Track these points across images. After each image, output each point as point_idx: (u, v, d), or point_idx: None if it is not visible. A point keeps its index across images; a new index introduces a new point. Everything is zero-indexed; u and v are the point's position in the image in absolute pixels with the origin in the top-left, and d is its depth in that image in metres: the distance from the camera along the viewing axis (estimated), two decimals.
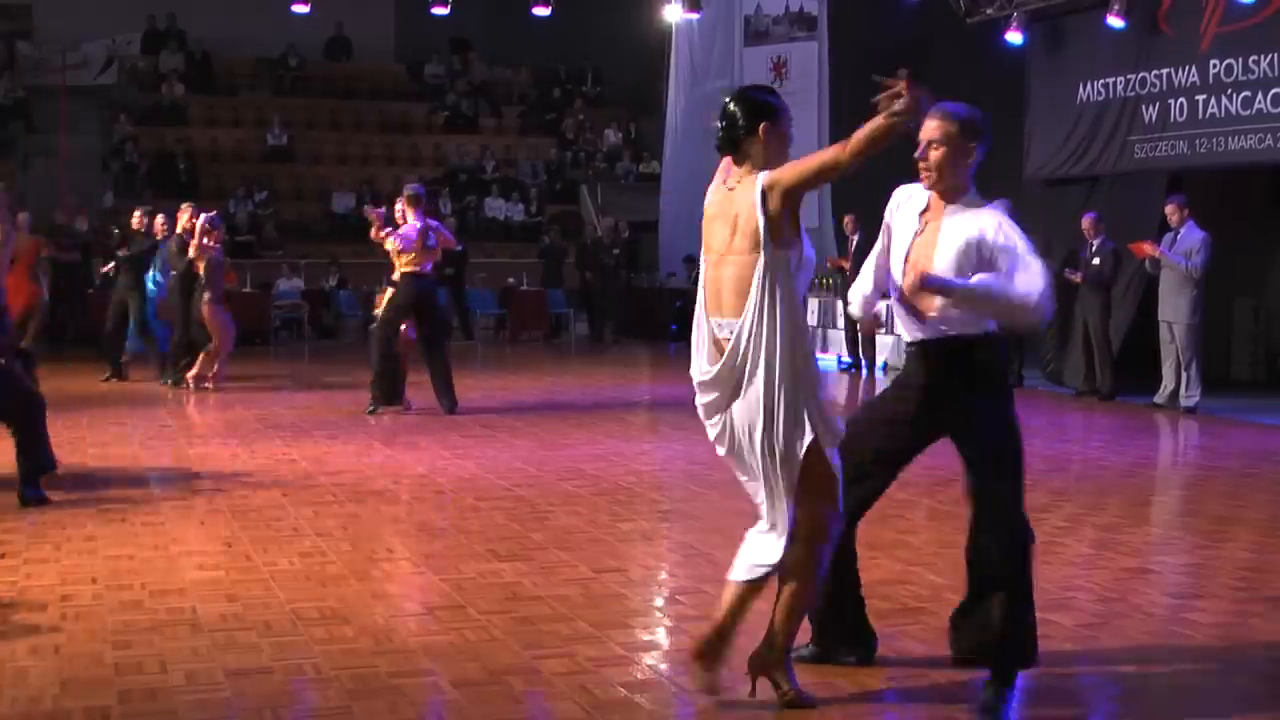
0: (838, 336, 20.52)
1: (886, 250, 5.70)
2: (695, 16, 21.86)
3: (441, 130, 31.23)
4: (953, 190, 5.45)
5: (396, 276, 13.78)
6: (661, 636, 6.33)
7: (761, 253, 5.04)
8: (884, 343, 19.90)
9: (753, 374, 5.06)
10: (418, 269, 13.64)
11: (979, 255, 5.31)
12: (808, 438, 5.09)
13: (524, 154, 31.30)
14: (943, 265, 5.31)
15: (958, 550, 8.05)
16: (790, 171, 5.07)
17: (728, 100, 5.28)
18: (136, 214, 17.37)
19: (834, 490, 5.23)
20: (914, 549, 8.11)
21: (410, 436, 12.51)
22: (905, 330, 5.63)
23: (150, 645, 5.98)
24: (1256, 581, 7.40)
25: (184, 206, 16.91)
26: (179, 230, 16.60)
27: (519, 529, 8.57)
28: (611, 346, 23.33)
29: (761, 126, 5.16)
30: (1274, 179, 16.53)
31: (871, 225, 19.00)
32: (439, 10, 21.07)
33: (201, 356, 16.07)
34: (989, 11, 18.82)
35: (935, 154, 5.45)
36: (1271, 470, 11.34)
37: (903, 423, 5.74)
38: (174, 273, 16.51)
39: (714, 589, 6.70)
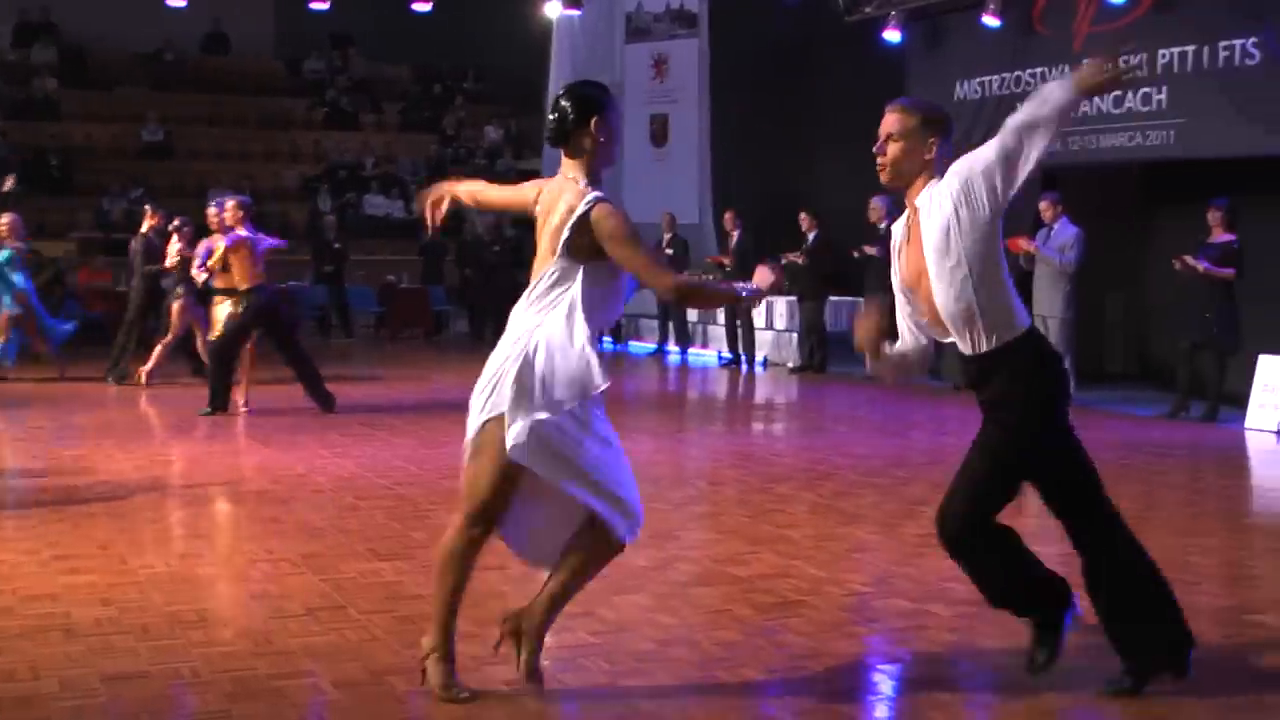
0: (718, 332, 20.62)
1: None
2: (576, 13, 21.85)
3: (321, 126, 30.98)
4: (919, 183, 5.40)
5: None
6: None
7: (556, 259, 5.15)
8: (763, 339, 20.05)
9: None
10: (261, 282, 13.54)
11: (968, 199, 5.27)
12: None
13: (404, 151, 31.12)
14: (933, 245, 5.31)
15: (838, 543, 8.15)
16: (621, 246, 5.06)
17: (559, 95, 5.30)
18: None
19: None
20: (794, 543, 8.16)
21: (289, 436, 12.41)
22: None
23: (22, 652, 5.88)
24: None
25: (148, 209, 17.28)
26: (143, 231, 16.83)
27: (400, 528, 8.53)
28: (492, 344, 23.16)
29: (592, 120, 5.17)
30: (1145, 176, 16.81)
31: (750, 222, 19.12)
32: (318, 5, 20.92)
33: (157, 349, 16.39)
34: (868, 10, 18.96)
35: (893, 148, 5.40)
36: (1145, 461, 11.53)
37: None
38: (145, 271, 16.66)
39: (594, 585, 6.69)
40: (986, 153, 5.25)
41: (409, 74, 33.28)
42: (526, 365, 5.10)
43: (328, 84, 31.84)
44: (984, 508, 5.37)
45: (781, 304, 20.29)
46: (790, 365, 19.55)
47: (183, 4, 22.26)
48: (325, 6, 20.98)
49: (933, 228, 5.27)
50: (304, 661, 5.77)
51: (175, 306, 16.13)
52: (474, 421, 5.24)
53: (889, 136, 5.39)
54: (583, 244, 5.06)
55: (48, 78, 29.17)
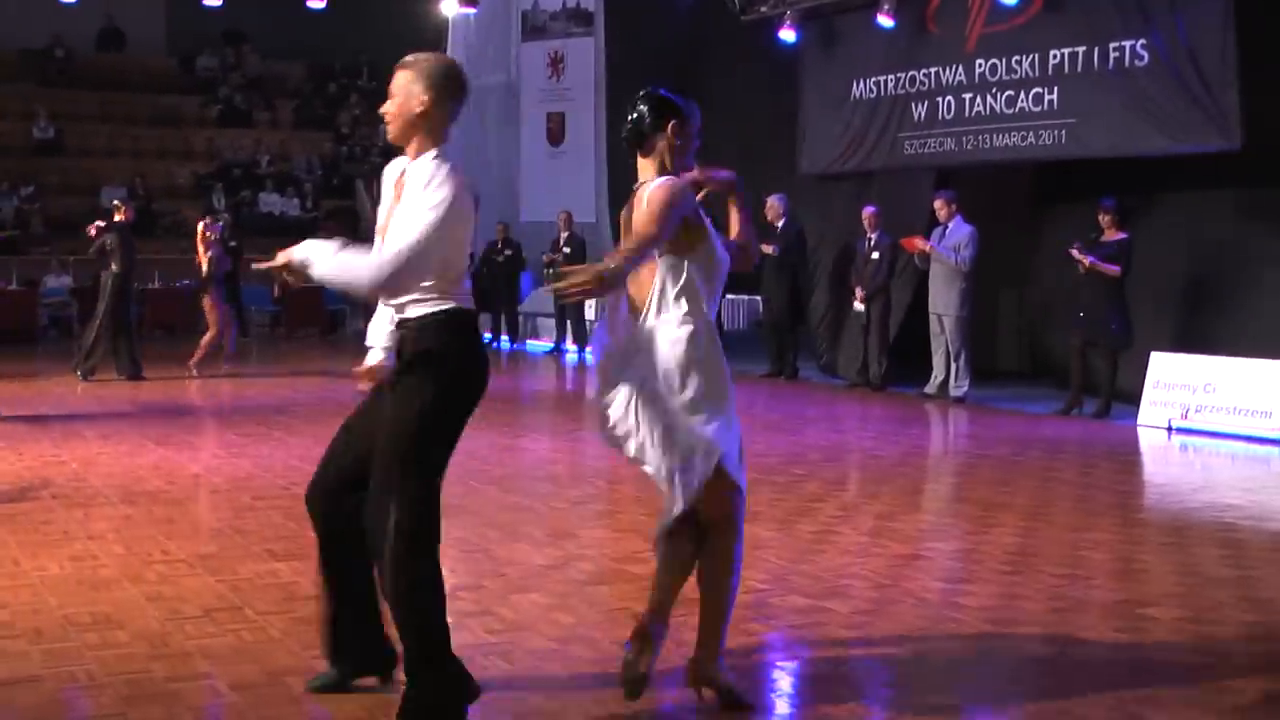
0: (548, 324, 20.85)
1: None
2: (471, 11, 21.75)
3: (214, 124, 30.70)
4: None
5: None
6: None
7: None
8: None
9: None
10: None
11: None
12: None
13: (299, 149, 30.91)
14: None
15: (760, 550, 8.18)
16: (643, 218, 5.02)
17: (638, 99, 5.28)
18: None
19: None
20: None
21: (184, 436, 12.29)
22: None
23: None
24: (1023, 565, 7.63)
25: (117, 202, 17.71)
26: (119, 221, 17.04)
27: (296, 528, 8.46)
28: None
29: (670, 124, 5.19)
30: (1036, 175, 17.02)
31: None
32: (211, 2, 20.72)
33: (202, 342, 17.50)
34: (763, 10, 19.03)
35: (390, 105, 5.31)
36: (1038, 457, 11.68)
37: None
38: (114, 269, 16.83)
39: (492, 584, 6.72)
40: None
41: (303, 71, 33.05)
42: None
43: (221, 81, 31.55)
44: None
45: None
46: None
47: (73, 0, 21.98)
48: (218, 3, 20.81)
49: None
50: (201, 663, 5.73)
51: (206, 303, 17.45)
52: None
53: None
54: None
55: None
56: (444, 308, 4.92)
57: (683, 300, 5.09)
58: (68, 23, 28.61)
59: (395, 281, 4.88)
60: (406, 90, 5.12)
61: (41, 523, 8.55)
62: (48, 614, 6.45)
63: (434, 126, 5.03)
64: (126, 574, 7.25)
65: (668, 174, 5.16)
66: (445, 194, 4.80)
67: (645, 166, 5.25)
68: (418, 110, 5.07)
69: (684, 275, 5.09)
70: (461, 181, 4.85)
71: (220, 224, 17.61)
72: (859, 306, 16.52)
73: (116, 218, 17.03)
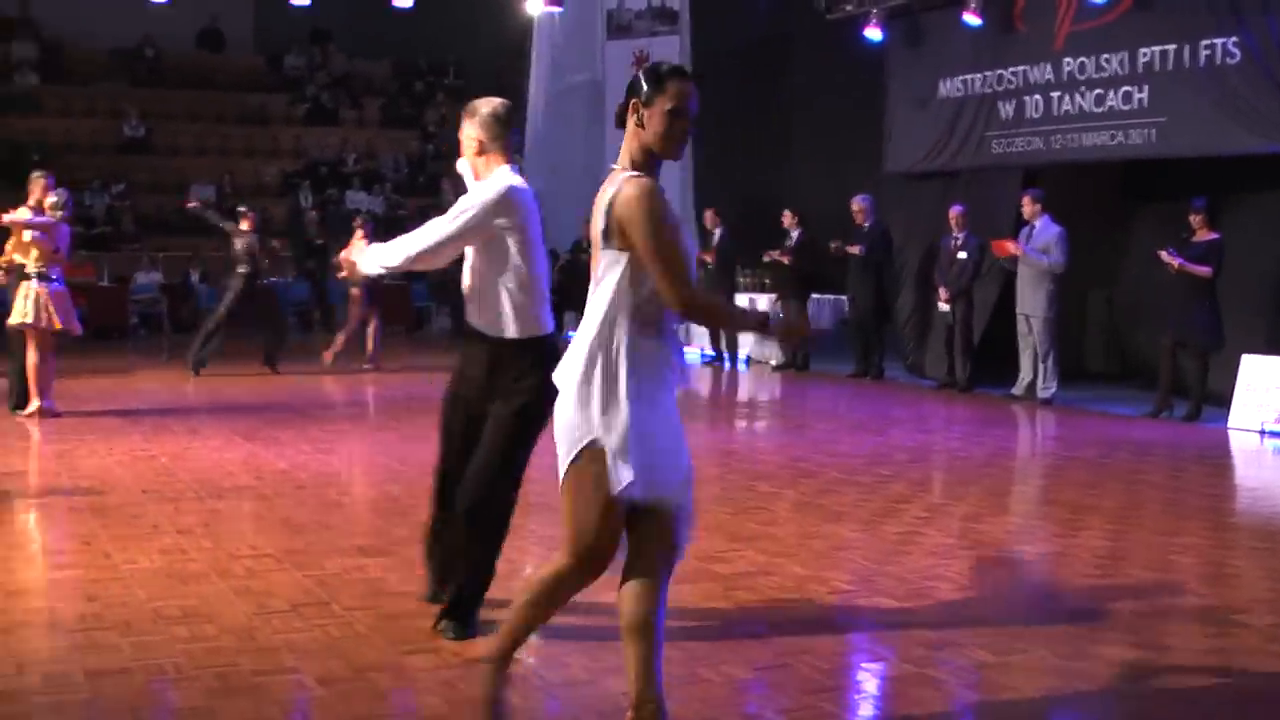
0: (701, 330, 20.63)
1: None
2: (557, 10, 21.80)
3: (301, 122, 30.93)
4: None
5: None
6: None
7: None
8: (746, 336, 20.04)
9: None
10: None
11: None
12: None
13: (385, 147, 31.10)
14: None
15: (821, 541, 8.17)
16: (645, 242, 4.48)
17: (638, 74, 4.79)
18: None
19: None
20: (777, 540, 8.17)
21: (271, 431, 12.39)
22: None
23: (5, 647, 5.86)
24: (1112, 569, 7.55)
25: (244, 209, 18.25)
26: (245, 229, 17.76)
27: (383, 524, 8.52)
28: None
29: (631, 100, 4.66)
30: (1125, 175, 16.85)
31: (731, 220, 19.14)
32: (299, 1, 20.86)
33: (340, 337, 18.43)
34: (849, 8, 18.97)
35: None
36: (1126, 459, 11.56)
37: None
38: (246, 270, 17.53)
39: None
40: None
41: (388, 70, 33.23)
42: None
43: (308, 80, 31.78)
44: None
45: (763, 301, 20.30)
46: (773, 363, 19.57)
47: (164, 0, 22.21)
48: (306, 2, 20.94)
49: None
50: (287, 657, 5.76)
51: (354, 293, 18.07)
52: None
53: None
54: (616, 229, 4.55)
55: (27, 73, 29.07)
56: None
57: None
58: (162, 23, 28.93)
59: None
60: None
61: (131, 517, 8.64)
62: (137, 607, 6.51)
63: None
64: (215, 568, 7.31)
65: (635, 161, 4.66)
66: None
67: (621, 150, 4.73)
68: None
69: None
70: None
71: (370, 224, 18.02)
72: (944, 307, 16.42)
73: (243, 225, 17.63)
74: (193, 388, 15.98)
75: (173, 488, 9.65)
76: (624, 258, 4.55)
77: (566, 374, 4.64)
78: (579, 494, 4.59)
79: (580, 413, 4.57)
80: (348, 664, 5.68)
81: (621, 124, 4.72)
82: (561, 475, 4.62)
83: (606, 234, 4.57)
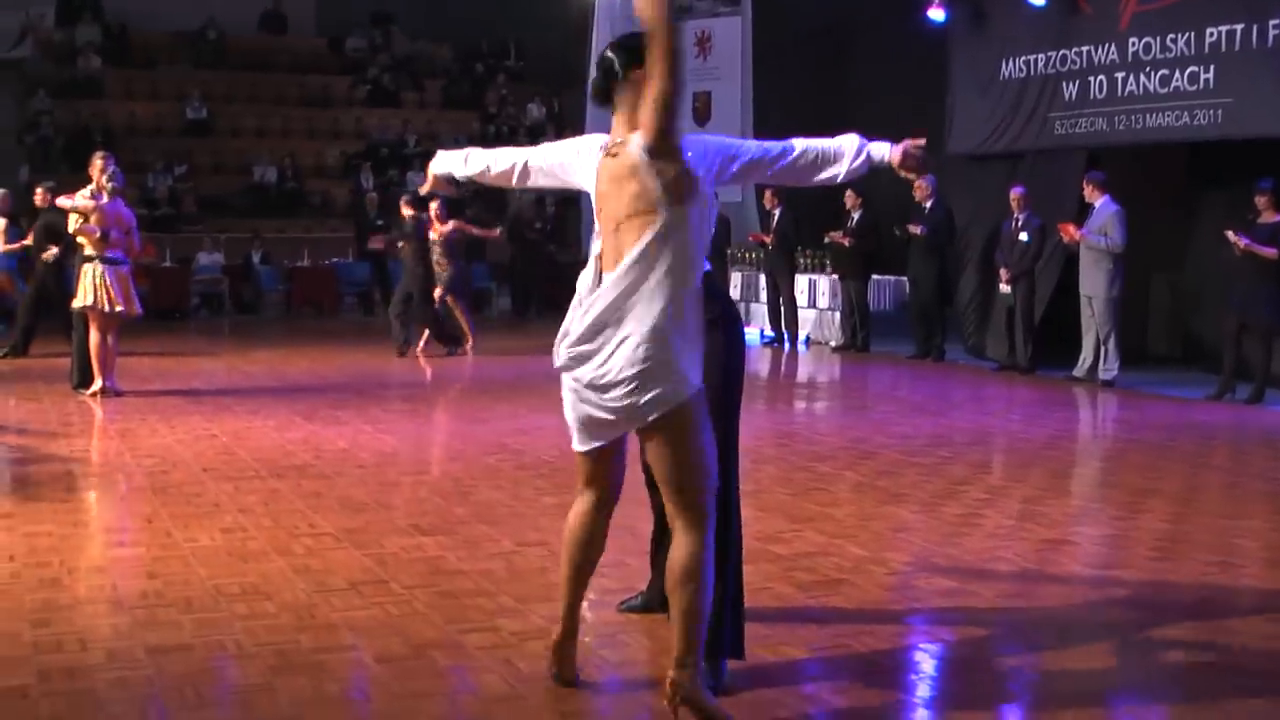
0: (761, 310, 20.60)
1: None
2: None
3: (363, 104, 31.02)
4: None
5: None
6: (584, 610, 6.32)
7: (661, 212, 4.70)
8: (806, 317, 20.00)
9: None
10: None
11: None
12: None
13: (446, 129, 31.13)
14: None
15: (880, 522, 8.15)
16: (648, 113, 4.62)
17: (606, 47, 4.94)
18: (39, 191, 17.00)
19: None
20: (836, 521, 8.15)
21: (331, 411, 12.45)
22: None
23: (69, 623, 5.93)
24: (1173, 553, 7.49)
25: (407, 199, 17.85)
26: (411, 215, 17.43)
27: (441, 503, 8.55)
28: (535, 321, 23.23)
29: (634, 70, 4.76)
30: (1191, 156, 16.68)
31: (791, 200, 19.07)
32: None
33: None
34: None
35: None
36: (1187, 443, 11.46)
37: None
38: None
39: (636, 561, 6.73)
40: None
41: (450, 52, 33.27)
42: None
43: (369, 62, 31.87)
44: None
45: (824, 282, 20.25)
46: (833, 344, 19.51)
47: None
48: None
49: None
50: (346, 635, 5.79)
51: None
52: None
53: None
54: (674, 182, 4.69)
55: (91, 56, 29.28)
56: None
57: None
58: (225, 6, 29.14)
59: None
60: None
61: (192, 495, 8.70)
62: (198, 584, 6.56)
63: None
64: (274, 546, 7.35)
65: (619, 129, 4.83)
66: None
67: (619, 121, 4.87)
68: None
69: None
70: None
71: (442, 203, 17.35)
72: (1005, 288, 16.33)
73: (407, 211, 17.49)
74: (255, 368, 16.07)
75: (233, 467, 9.71)
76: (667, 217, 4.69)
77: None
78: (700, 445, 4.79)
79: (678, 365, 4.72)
80: (406, 642, 5.70)
81: (606, 93, 4.89)
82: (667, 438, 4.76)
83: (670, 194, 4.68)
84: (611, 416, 4.81)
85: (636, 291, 4.69)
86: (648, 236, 4.69)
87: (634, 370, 4.68)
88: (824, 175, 5.20)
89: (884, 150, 5.18)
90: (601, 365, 4.75)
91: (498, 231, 18.38)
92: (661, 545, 5.52)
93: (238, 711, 4.99)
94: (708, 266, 5.04)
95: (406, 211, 17.28)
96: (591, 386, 4.79)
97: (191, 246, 25.09)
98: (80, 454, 10.33)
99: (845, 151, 5.16)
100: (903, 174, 5.22)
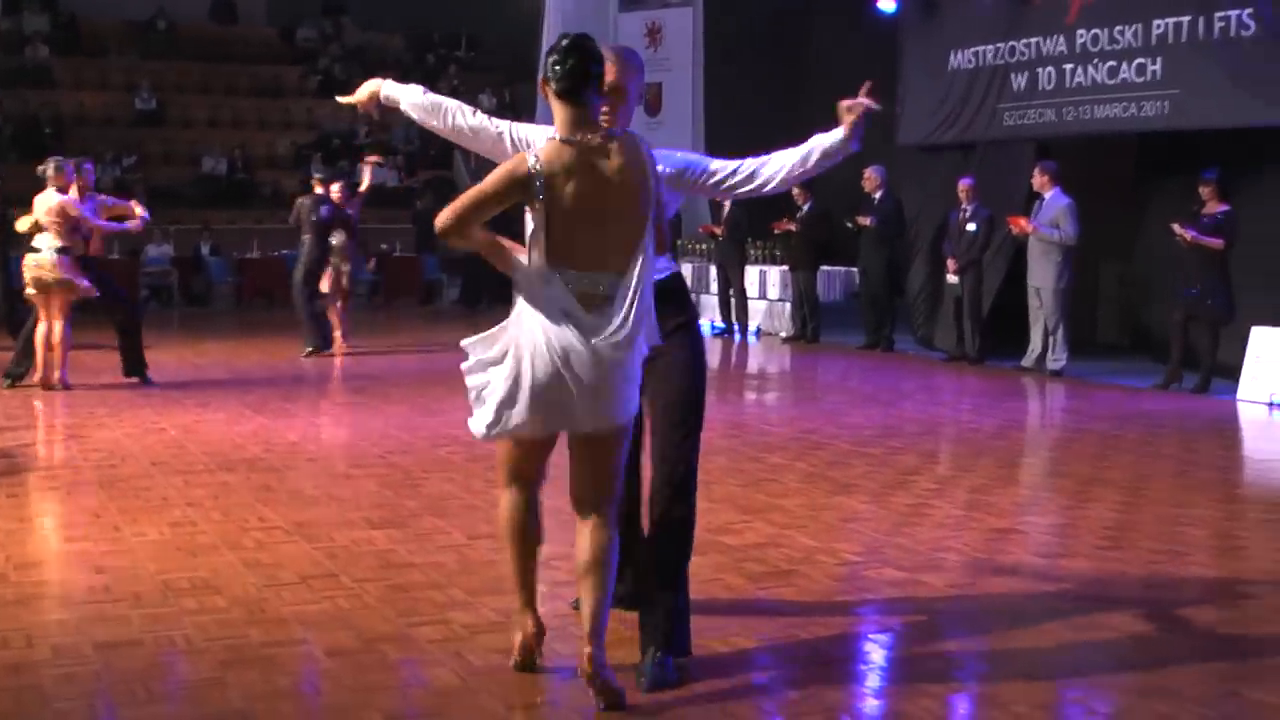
0: (711, 301, 20.62)
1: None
2: None
3: (314, 95, 30.91)
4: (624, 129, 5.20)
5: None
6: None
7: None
8: (756, 308, 20.04)
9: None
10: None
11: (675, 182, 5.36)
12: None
13: (397, 119, 31.01)
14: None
15: (830, 513, 8.17)
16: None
17: (565, 47, 4.86)
18: None
19: None
20: (786, 512, 8.17)
21: (281, 404, 12.41)
22: None
23: (15, 619, 5.89)
24: (1121, 540, 7.55)
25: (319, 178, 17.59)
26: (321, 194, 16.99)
27: (392, 496, 8.54)
28: (485, 312, 23.18)
29: (600, 77, 4.89)
30: (1139, 147, 16.79)
31: None
32: None
33: None
34: None
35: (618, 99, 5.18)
36: (1136, 432, 11.54)
37: None
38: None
39: None
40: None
41: (402, 42, 33.21)
42: None
43: (320, 52, 31.75)
44: None
45: (774, 273, 20.29)
46: (783, 335, 19.56)
47: None
48: None
49: None
50: (297, 629, 5.78)
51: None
52: None
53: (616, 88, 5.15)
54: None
55: (40, 45, 29.08)
56: None
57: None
58: None
59: None
60: None
61: (141, 489, 8.66)
62: (147, 579, 6.54)
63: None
64: (224, 540, 7.33)
65: (588, 125, 4.87)
66: None
67: (576, 118, 4.86)
68: None
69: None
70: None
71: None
72: (952, 279, 16.40)
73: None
74: (205, 360, 16.00)
75: (182, 460, 9.68)
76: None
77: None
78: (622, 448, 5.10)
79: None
80: (357, 635, 5.70)
81: (576, 92, 4.86)
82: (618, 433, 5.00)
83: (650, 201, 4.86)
84: (583, 412, 4.87)
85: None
86: (647, 237, 4.88)
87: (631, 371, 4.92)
88: (793, 178, 5.56)
89: (835, 137, 5.42)
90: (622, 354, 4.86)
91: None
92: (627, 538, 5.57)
93: (188, 707, 4.97)
94: (675, 267, 5.20)
95: (318, 190, 16.95)
96: (590, 380, 4.82)
97: (141, 238, 24.94)
98: (27, 448, 10.27)
99: (809, 156, 5.48)
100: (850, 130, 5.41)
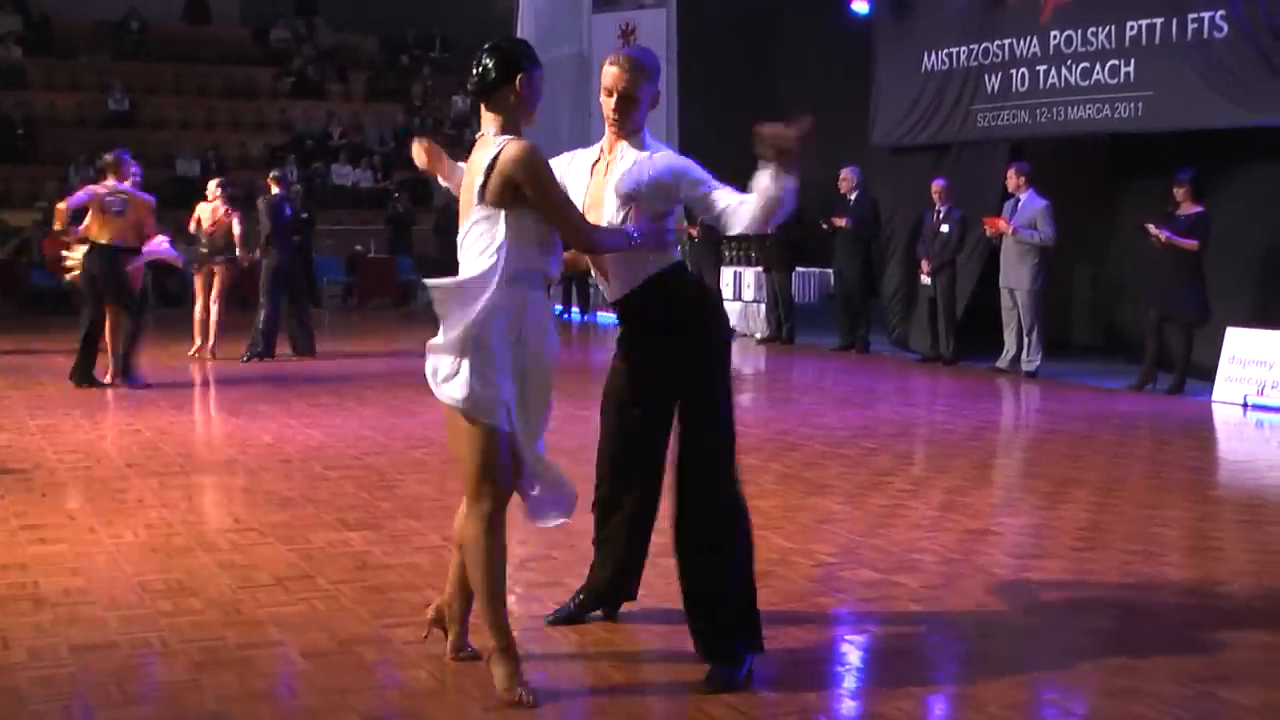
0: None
1: None
2: None
3: (287, 96, 30.86)
4: (632, 133, 5.48)
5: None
6: (512, 603, 6.31)
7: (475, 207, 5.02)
8: (731, 309, 20.07)
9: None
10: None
11: (659, 188, 5.39)
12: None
13: (371, 121, 31.05)
14: (611, 202, 5.38)
15: (805, 514, 8.18)
16: (539, 192, 4.93)
17: (483, 50, 5.09)
18: None
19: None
20: (761, 513, 8.17)
21: (256, 405, 12.39)
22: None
23: None
24: (1095, 541, 7.57)
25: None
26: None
27: (368, 497, 8.53)
28: None
29: (518, 78, 5.01)
30: (1112, 148, 16.85)
31: None
32: None
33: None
34: None
35: (621, 104, 5.44)
36: (1110, 433, 11.58)
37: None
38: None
39: (563, 555, 6.75)
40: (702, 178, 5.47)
41: (375, 44, 33.18)
42: None
43: (294, 53, 31.69)
44: None
45: (749, 274, 20.31)
46: (758, 336, 19.59)
47: None
48: None
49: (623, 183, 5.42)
50: (273, 631, 5.77)
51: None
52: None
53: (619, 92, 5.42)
54: (498, 187, 4.91)
55: (12, 46, 28.99)
56: None
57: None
58: None
59: None
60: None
61: (116, 491, 8.64)
62: (123, 581, 6.52)
63: None
64: (200, 542, 7.31)
65: (511, 130, 5.05)
66: None
67: (490, 120, 5.09)
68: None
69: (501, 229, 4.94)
70: None
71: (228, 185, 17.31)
72: (926, 280, 16.44)
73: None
74: (179, 362, 15.95)
75: (158, 462, 9.65)
76: (501, 214, 4.93)
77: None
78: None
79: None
80: (333, 637, 5.69)
81: (484, 95, 5.05)
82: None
83: (483, 192, 4.93)
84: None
85: None
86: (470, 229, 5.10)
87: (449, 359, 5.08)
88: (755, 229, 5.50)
89: (764, 181, 5.33)
90: None
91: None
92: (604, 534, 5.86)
93: (164, 709, 4.96)
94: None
95: (275, 190, 16.84)
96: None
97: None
98: (1, 449, 10.23)
99: (747, 209, 5.39)
100: (777, 159, 5.30)
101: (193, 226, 16.51)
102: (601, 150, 5.53)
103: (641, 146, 5.45)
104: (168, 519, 7.87)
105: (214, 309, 16.42)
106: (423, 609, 5.85)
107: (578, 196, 5.40)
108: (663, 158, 5.43)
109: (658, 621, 5.94)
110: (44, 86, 29.04)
